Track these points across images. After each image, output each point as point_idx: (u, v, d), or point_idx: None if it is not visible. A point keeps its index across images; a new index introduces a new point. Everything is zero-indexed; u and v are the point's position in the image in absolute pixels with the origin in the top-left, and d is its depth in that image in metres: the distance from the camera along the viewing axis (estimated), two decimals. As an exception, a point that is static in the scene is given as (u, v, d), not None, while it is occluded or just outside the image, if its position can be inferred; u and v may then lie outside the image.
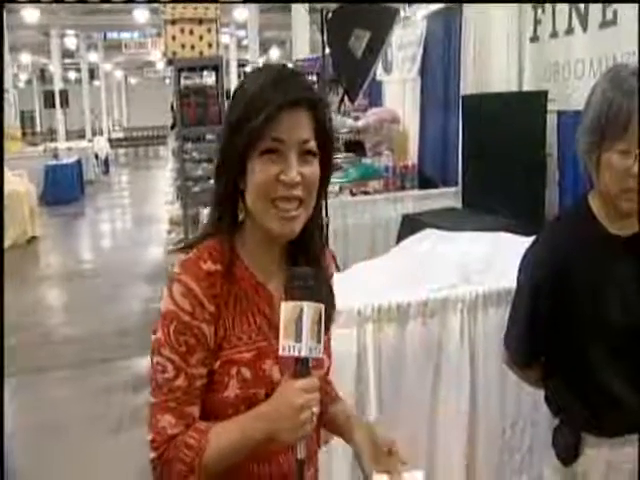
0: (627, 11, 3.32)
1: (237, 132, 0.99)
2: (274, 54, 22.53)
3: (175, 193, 6.15)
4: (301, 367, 0.95)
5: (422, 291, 2.08)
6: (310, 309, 0.95)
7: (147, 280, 6.66)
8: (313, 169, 1.01)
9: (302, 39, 11.00)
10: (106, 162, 17.58)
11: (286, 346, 0.94)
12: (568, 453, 1.43)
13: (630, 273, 1.37)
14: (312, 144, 1.01)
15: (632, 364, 1.37)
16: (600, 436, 1.40)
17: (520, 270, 1.48)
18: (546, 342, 1.45)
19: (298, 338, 0.94)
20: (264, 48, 20.88)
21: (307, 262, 1.05)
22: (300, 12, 10.90)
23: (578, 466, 1.43)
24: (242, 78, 1.18)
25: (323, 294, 0.99)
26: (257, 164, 0.99)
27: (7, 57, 14.28)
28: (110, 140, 22.21)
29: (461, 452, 2.10)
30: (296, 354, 0.94)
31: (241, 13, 15.68)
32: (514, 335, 1.50)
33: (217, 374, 1.01)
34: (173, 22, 4.70)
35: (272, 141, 0.98)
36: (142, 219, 10.45)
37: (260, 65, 1.23)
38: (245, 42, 18.49)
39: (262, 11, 15.80)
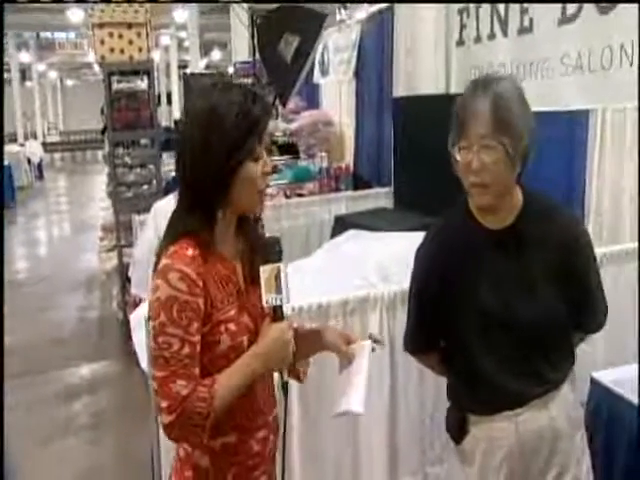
0: (542, 19, 3.48)
1: (236, 145, 1.21)
2: (216, 56, 22.29)
3: (110, 199, 6.03)
4: (280, 312, 1.25)
5: (342, 291, 2.13)
6: (284, 267, 1.25)
7: (81, 288, 6.51)
8: None
9: (241, 42, 10.92)
10: (40, 167, 16.97)
11: (269, 299, 1.24)
12: (456, 432, 1.55)
13: (503, 263, 1.47)
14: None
15: (504, 348, 1.48)
16: (481, 415, 1.52)
17: (413, 265, 1.58)
18: (434, 332, 1.55)
19: (279, 291, 1.24)
20: (205, 50, 20.64)
21: (255, 232, 1.34)
22: (239, 14, 10.84)
23: (466, 444, 1.55)
24: (199, 96, 1.28)
25: None
26: (250, 167, 1.23)
27: None
28: (44, 144, 21.40)
29: (382, 443, 2.16)
30: (279, 303, 1.24)
31: (181, 14, 15.45)
32: (407, 327, 1.60)
33: (209, 335, 1.23)
34: (101, 25, 4.59)
35: (260, 147, 1.24)
36: (77, 226, 10.17)
37: (213, 83, 1.33)
38: (186, 44, 18.22)
39: (203, 12, 15.61)
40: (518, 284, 1.46)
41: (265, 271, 1.24)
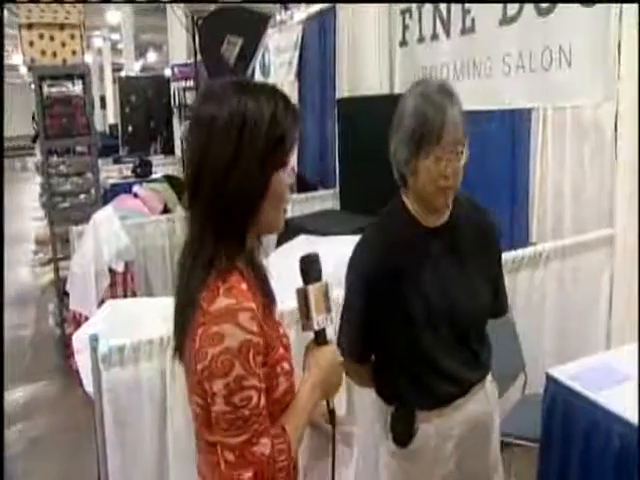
0: (484, 19, 3.53)
1: (271, 154, 1.06)
2: (151, 58, 21.77)
3: (44, 210, 5.75)
4: (324, 334, 1.15)
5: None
6: (329, 283, 1.15)
7: (14, 304, 6.16)
8: None
9: (179, 43, 10.69)
10: (-41, 176, 16.11)
11: (320, 320, 1.13)
12: (405, 433, 1.55)
13: (443, 258, 1.53)
14: None
15: (451, 339, 1.53)
16: (432, 409, 1.55)
17: (349, 270, 1.57)
18: (379, 336, 1.54)
19: (328, 309, 1.14)
20: (140, 51, 20.12)
21: (259, 256, 1.17)
22: (175, 15, 10.61)
23: (415, 443, 1.55)
24: (213, 100, 1.07)
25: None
26: (282, 178, 1.09)
27: None
28: (-34, 152, 20.33)
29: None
30: (329, 323, 1.14)
31: (114, 15, 14.98)
32: (348, 335, 1.56)
33: (268, 379, 1.06)
34: (29, 26, 4.32)
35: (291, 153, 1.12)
36: (5, 239, 9.62)
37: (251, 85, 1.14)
38: (120, 46, 17.70)
39: (136, 13, 15.19)
40: (457, 277, 1.53)
41: (314, 290, 1.14)
